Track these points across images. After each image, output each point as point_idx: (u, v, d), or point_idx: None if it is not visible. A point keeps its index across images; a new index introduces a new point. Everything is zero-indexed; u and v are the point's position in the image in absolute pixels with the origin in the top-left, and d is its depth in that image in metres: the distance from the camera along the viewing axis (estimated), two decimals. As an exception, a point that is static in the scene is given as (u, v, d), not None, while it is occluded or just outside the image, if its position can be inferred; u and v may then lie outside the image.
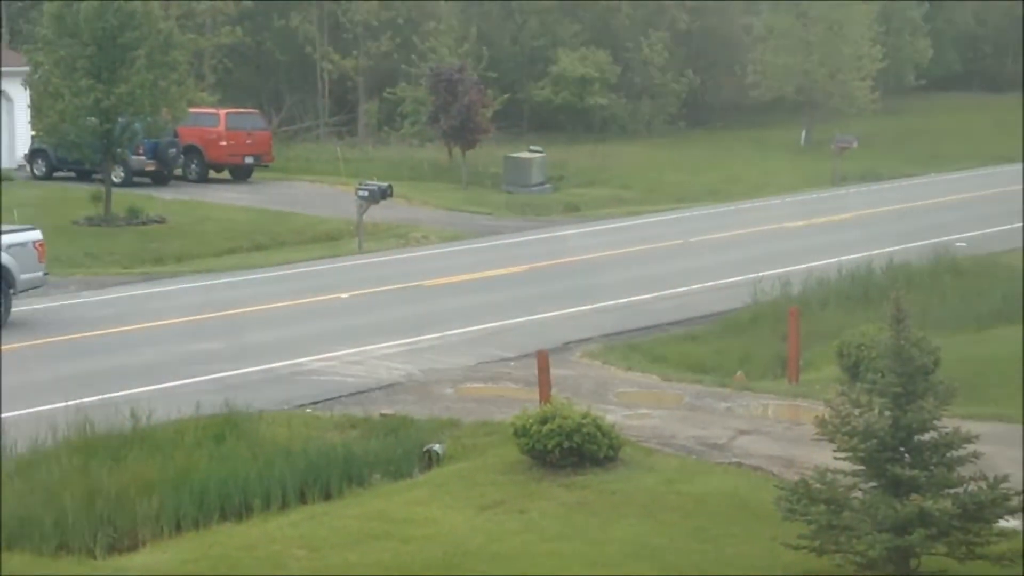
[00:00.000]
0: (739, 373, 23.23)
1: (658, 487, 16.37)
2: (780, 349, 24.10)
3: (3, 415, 18.93)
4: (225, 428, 18.82)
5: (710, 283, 31.40)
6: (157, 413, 18.75)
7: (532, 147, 55.84)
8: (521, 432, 17.15)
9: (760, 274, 29.76)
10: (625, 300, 29.68)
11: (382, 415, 19.99)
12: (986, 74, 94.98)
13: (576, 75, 70.30)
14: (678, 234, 39.84)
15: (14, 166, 50.63)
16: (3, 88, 51.23)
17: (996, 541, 12.65)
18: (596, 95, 70.86)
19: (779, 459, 17.39)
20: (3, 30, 60.34)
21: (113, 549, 15.38)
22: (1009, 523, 13.12)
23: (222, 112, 52.99)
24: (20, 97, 47.79)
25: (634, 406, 20.46)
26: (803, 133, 70.59)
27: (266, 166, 52.90)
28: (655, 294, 30.36)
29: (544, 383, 19.05)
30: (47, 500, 15.79)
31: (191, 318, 28.11)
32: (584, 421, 17.02)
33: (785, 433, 18.83)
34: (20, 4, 64.26)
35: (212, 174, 51.66)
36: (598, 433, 17.05)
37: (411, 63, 62.54)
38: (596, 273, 33.45)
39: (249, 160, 52.11)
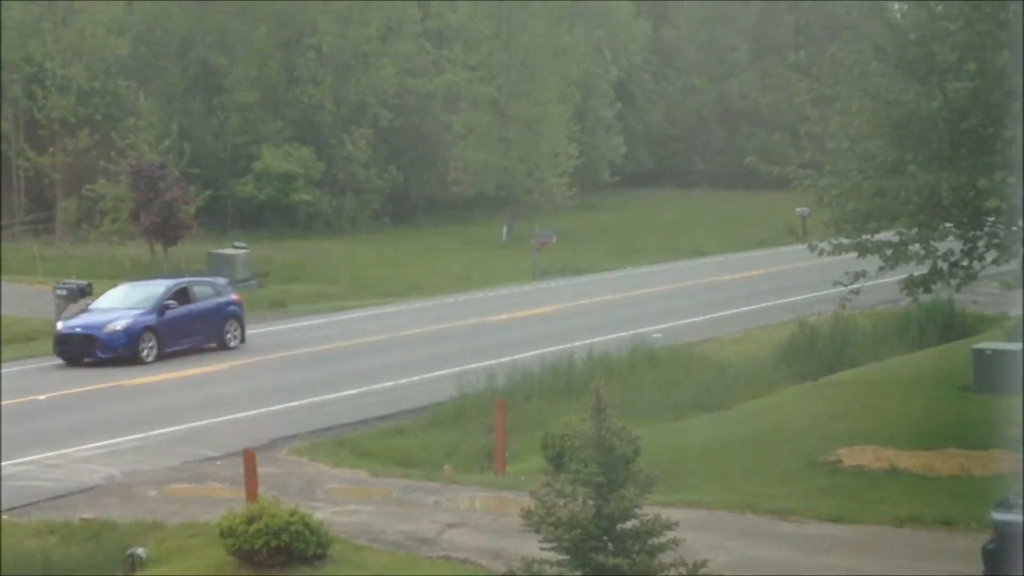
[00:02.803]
0: (447, 466, 23.42)
1: (367, 584, 16.35)
2: (487, 441, 24.39)
3: None
4: (-85, 538, 18.07)
5: (416, 377, 31.59)
6: None
7: (236, 243, 55.41)
8: (227, 532, 16.94)
9: (466, 367, 30.08)
10: (332, 396, 29.62)
11: (82, 520, 19.49)
12: (676, 171, 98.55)
13: (280, 171, 70.24)
14: (384, 329, 40.00)
15: None
16: None
17: (697, 625, 13.02)
18: (300, 191, 70.87)
19: (487, 551, 17.55)
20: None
21: None
22: (708, 607, 13.50)
23: (-90, 210, 51.01)
24: None
25: (343, 502, 20.41)
26: (504, 228, 71.89)
27: (-42, 265, 51.07)
28: (362, 389, 30.38)
29: (251, 482, 18.86)
30: None
31: None
32: (292, 519, 16.92)
33: (492, 525, 19.03)
34: None
35: (-101, 274, 49.60)
36: (306, 531, 16.96)
37: (111, 159, 61.44)
38: (302, 369, 33.30)
39: (-61, 259, 50.16)
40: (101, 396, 30.22)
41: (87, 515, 19.75)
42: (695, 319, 39.70)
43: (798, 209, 49.92)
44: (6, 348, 38.13)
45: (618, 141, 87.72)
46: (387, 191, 76.38)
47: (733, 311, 41.15)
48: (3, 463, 23.30)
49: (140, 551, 18.06)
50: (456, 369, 30.37)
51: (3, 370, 34.22)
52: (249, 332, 38.76)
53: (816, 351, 31.62)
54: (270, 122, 73.82)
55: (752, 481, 20.81)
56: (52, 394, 30.29)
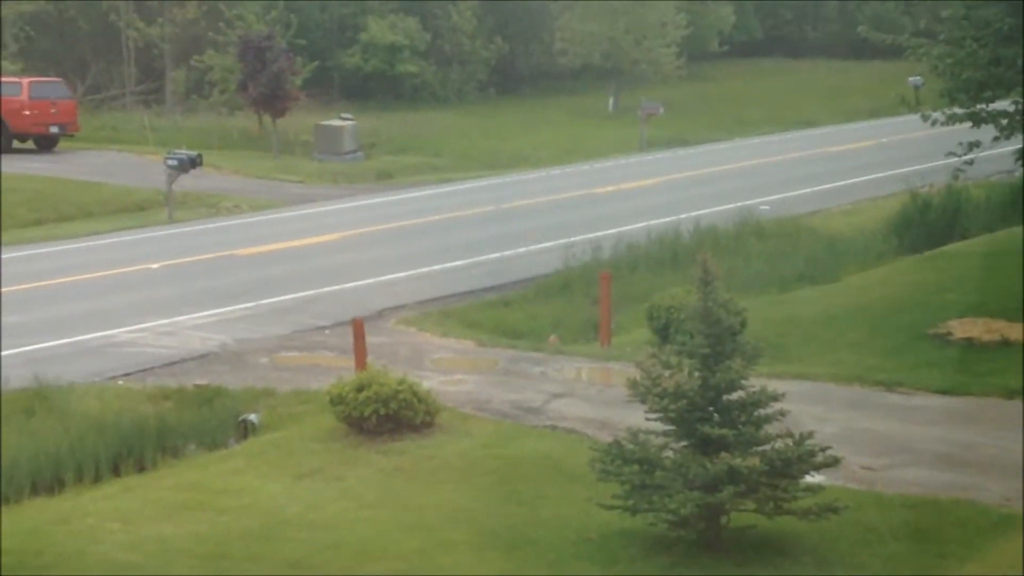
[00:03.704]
0: (552, 337, 23.51)
1: (474, 452, 16.52)
2: (592, 313, 24.41)
3: None
4: (35, 402, 18.53)
5: (522, 249, 31.62)
6: (-38, 389, 18.35)
7: (343, 115, 55.58)
8: (337, 400, 17.17)
9: (571, 239, 30.06)
10: (439, 267, 29.78)
11: (196, 386, 19.83)
12: (786, 41, 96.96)
13: (386, 43, 70.12)
14: (490, 200, 40.02)
15: None
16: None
17: (802, 496, 13.03)
18: (406, 63, 70.77)
19: (593, 421, 17.66)
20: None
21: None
22: (814, 479, 13.50)
23: (25, 81, 51.62)
24: None
25: (450, 372, 20.59)
26: (611, 99, 71.33)
27: (72, 136, 51.77)
28: (468, 260, 30.49)
29: (359, 351, 19.08)
30: None
31: (-4, 292, 27.50)
32: (400, 388, 17.11)
33: (598, 396, 19.12)
34: None
35: (16, 144, 50.37)
36: (414, 399, 17.16)
37: (218, 30, 61.72)
38: (409, 240, 33.49)
39: (54, 130, 50.93)
40: (213, 265, 30.63)
41: (200, 381, 20.11)
42: (804, 191, 39.29)
43: (911, 79, 48.92)
44: (119, 217, 38.81)
45: (727, 10, 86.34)
46: (492, 62, 76.02)
47: (843, 183, 40.67)
48: (117, 330, 23.76)
49: (252, 417, 18.38)
50: (561, 241, 30.36)
51: (116, 239, 34.88)
52: (356, 204, 38.82)
53: (927, 223, 31.13)
54: (376, -8, 73.60)
55: (860, 353, 20.69)
56: (164, 263, 30.73)
